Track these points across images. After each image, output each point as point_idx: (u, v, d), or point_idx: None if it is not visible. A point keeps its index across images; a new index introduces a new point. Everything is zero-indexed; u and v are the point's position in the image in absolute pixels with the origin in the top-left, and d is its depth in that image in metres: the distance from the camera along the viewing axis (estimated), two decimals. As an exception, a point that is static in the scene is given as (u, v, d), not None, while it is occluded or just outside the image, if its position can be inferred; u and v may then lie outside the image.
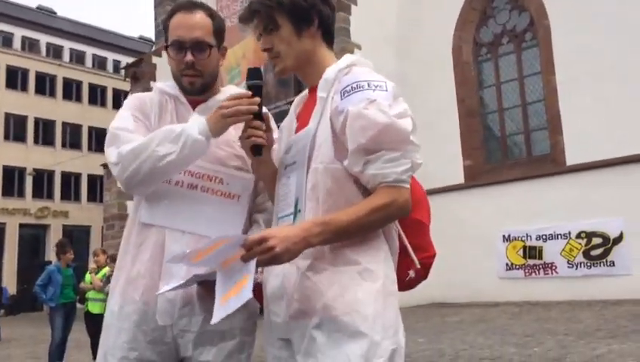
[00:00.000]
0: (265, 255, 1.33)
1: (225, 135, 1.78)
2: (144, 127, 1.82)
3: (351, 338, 1.36)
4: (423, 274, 1.62)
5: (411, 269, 1.58)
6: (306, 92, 1.71)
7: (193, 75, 1.83)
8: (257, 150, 1.60)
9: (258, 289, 1.63)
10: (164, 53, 1.81)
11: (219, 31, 1.88)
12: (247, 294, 1.33)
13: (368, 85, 1.45)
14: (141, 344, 1.73)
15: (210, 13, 1.88)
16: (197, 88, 1.85)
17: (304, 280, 1.44)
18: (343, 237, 1.41)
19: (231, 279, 1.42)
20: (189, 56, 1.80)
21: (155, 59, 19.79)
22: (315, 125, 1.51)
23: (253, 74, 1.63)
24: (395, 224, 1.54)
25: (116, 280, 1.83)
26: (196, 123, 1.71)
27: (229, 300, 1.38)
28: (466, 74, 13.99)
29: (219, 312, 1.39)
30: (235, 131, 1.80)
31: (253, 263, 1.35)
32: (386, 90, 1.45)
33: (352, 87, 1.46)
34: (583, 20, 11.78)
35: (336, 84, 1.51)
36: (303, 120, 1.61)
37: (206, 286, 1.71)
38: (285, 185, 1.59)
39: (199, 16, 1.85)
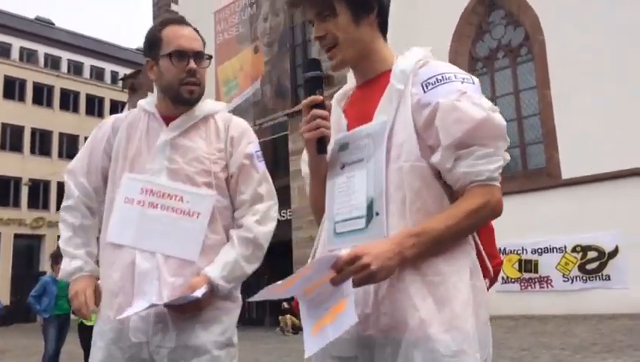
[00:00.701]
0: (359, 274, 1.21)
1: (196, 151, 1.84)
2: (95, 163, 1.95)
3: (453, 358, 1.24)
4: (494, 282, 1.53)
5: (486, 278, 1.46)
6: (349, 86, 1.59)
7: (194, 84, 1.86)
8: (322, 145, 1.44)
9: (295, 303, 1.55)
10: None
11: (204, 48, 1.94)
12: (351, 319, 1.19)
13: (455, 77, 1.36)
14: (119, 361, 1.76)
15: (196, 30, 1.95)
16: (195, 97, 1.89)
17: (394, 291, 1.30)
18: (438, 247, 1.30)
19: (321, 305, 1.28)
20: (192, 64, 1.84)
21: (152, 71, 19.83)
22: (390, 119, 1.37)
23: (312, 65, 1.48)
24: None
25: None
26: None
27: (325, 329, 1.24)
28: (462, 88, 14.08)
29: (313, 343, 1.25)
30: (207, 147, 1.86)
31: (349, 285, 1.22)
32: (474, 83, 1.36)
33: (437, 79, 1.35)
34: (578, 36, 11.89)
35: (411, 77, 1.39)
36: (356, 116, 1.47)
37: (174, 307, 1.74)
38: (346, 184, 1.43)
39: (192, 30, 1.92)
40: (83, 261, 1.90)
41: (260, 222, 1.87)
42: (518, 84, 13.68)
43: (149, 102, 1.96)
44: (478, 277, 1.37)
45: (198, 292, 1.71)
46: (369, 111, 1.43)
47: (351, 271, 1.21)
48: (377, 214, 1.34)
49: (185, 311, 1.74)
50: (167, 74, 1.86)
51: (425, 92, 1.35)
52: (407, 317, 1.28)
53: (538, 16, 12.84)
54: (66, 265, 1.91)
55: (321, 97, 1.43)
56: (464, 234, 1.34)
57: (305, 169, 1.62)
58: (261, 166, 1.94)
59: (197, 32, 1.94)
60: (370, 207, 1.36)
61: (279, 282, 1.28)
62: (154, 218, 1.81)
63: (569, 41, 12.04)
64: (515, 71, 13.79)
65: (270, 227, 1.90)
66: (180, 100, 1.88)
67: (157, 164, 1.85)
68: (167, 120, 1.90)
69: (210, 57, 1.92)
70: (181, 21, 1.92)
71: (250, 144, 1.93)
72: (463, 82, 1.34)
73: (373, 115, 1.41)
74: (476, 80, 1.38)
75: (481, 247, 1.45)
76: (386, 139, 1.36)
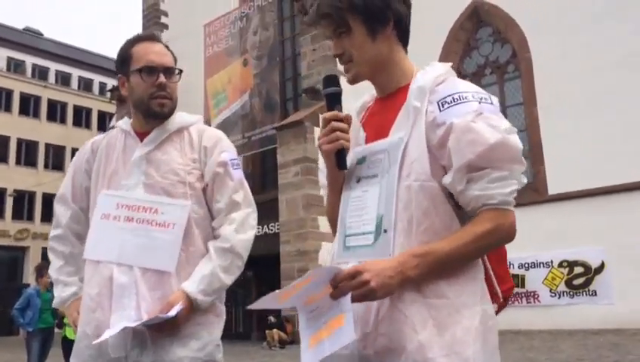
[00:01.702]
0: (359, 290, 1.20)
1: (170, 163, 1.87)
2: (79, 185, 2.01)
3: None
4: (503, 307, 1.50)
5: (495, 303, 1.41)
6: (368, 98, 1.58)
7: (164, 97, 1.89)
8: (341, 159, 1.43)
9: None
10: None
11: (175, 63, 1.97)
12: (349, 336, 1.18)
13: (473, 96, 1.32)
14: None
15: (167, 47, 1.99)
16: (166, 111, 1.91)
17: (393, 311, 1.27)
18: (443, 269, 1.27)
19: (319, 318, 1.27)
20: (161, 78, 1.87)
21: (141, 83, 19.80)
22: (405, 136, 1.35)
23: (329, 81, 1.48)
24: None
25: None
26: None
27: (322, 342, 1.24)
28: (450, 103, 14.21)
29: (310, 357, 1.25)
30: (181, 159, 1.89)
31: (347, 300, 1.21)
32: (492, 104, 1.33)
33: (453, 98, 1.32)
34: (564, 53, 12.08)
35: (428, 94, 1.36)
36: (374, 129, 1.45)
37: (152, 325, 1.74)
38: (359, 199, 1.42)
39: (163, 46, 1.96)
40: (77, 287, 1.95)
41: (238, 230, 1.87)
42: (505, 100, 13.83)
43: (125, 122, 2.01)
44: (486, 302, 1.34)
45: (173, 311, 1.70)
46: (386, 126, 1.41)
47: (350, 286, 1.20)
48: (385, 231, 1.33)
49: (162, 330, 1.74)
50: (137, 89, 1.89)
51: (440, 111, 1.32)
52: (405, 341, 1.25)
53: (525, 33, 13.02)
54: (61, 292, 1.96)
55: (342, 113, 1.42)
56: (471, 258, 1.31)
57: (322, 180, 1.59)
58: (237, 174, 1.94)
59: (168, 48, 1.98)
60: (379, 224, 1.34)
61: (277, 291, 1.27)
62: (130, 231, 1.82)
63: (555, 58, 12.22)
64: (502, 87, 13.95)
65: (249, 235, 1.90)
66: (151, 114, 1.90)
67: (133, 179, 1.88)
68: (142, 136, 1.93)
69: (180, 72, 1.95)
70: (151, 38, 1.97)
71: (224, 153, 1.94)
72: (480, 102, 1.31)
73: (390, 130, 1.40)
74: (495, 99, 1.35)
75: (491, 271, 1.43)
76: (400, 157, 1.34)
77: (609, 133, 11.31)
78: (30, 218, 32.39)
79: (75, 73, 38.18)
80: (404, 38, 1.48)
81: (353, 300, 1.21)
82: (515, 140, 1.29)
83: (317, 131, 13.01)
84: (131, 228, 1.83)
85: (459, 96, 1.32)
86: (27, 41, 36.64)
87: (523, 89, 13.27)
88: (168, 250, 1.81)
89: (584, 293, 11.52)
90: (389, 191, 1.34)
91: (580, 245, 11.44)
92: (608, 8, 11.67)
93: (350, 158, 1.46)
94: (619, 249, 10.83)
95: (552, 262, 11.96)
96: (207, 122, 17.33)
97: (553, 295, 11.89)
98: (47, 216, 33.16)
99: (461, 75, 14.48)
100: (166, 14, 21.09)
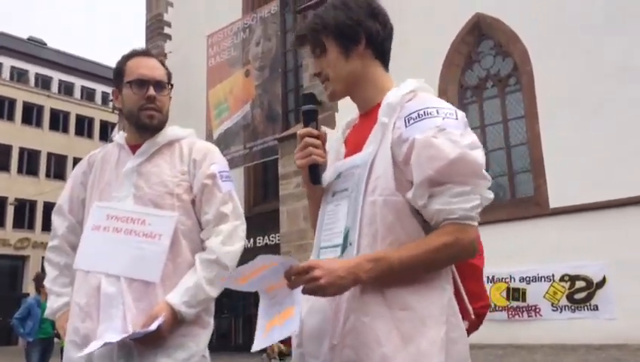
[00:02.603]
0: (309, 284, 1.25)
1: (160, 175, 1.91)
2: (77, 197, 2.05)
3: None
4: (476, 325, 1.50)
5: (465, 320, 1.42)
6: (355, 115, 1.62)
7: (154, 109, 1.93)
8: (315, 175, 1.47)
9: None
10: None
11: (169, 78, 2.01)
12: (293, 327, 1.27)
13: (437, 112, 1.34)
14: None
15: (162, 63, 2.04)
16: (155, 123, 1.95)
17: (358, 324, 1.30)
18: (396, 276, 1.28)
19: (274, 307, 1.36)
20: (151, 91, 1.91)
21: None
22: (373, 152, 1.39)
23: (306, 99, 1.55)
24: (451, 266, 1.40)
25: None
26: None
27: (273, 329, 1.32)
28: (451, 115, 14.22)
29: (260, 341, 1.33)
30: (170, 171, 1.93)
31: (298, 294, 1.28)
32: (456, 119, 1.34)
33: (418, 114, 1.35)
34: (566, 67, 12.10)
35: (398, 110, 1.39)
36: (352, 145, 1.50)
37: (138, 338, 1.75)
38: (333, 213, 1.46)
39: (156, 61, 2.01)
40: (69, 297, 1.96)
41: (225, 242, 1.88)
42: (506, 113, 13.84)
43: (121, 135, 2.06)
44: (453, 314, 1.34)
45: (154, 325, 1.71)
46: (361, 142, 1.45)
47: (302, 280, 1.25)
48: (350, 245, 1.36)
49: (147, 342, 1.74)
50: (128, 101, 1.95)
51: (406, 127, 1.35)
52: (369, 352, 1.27)
53: (527, 47, 13.06)
54: (53, 303, 1.99)
55: (316, 131, 1.48)
56: (428, 269, 1.31)
57: None
58: (226, 186, 1.96)
59: (163, 64, 2.03)
60: (345, 236, 1.38)
61: (240, 268, 1.34)
62: (118, 242, 1.85)
63: (557, 72, 12.25)
64: (503, 100, 13.97)
65: (236, 247, 1.90)
66: (141, 126, 1.95)
67: (124, 191, 1.92)
68: (135, 148, 1.98)
69: (172, 86, 2.00)
70: (145, 53, 2.04)
71: (214, 165, 1.97)
72: (444, 118, 1.33)
73: (364, 146, 1.43)
74: (461, 114, 1.37)
75: (461, 287, 1.43)
76: (367, 172, 1.38)
77: (611, 147, 11.31)
78: (31, 227, 32.39)
79: (78, 83, 38.36)
80: (381, 55, 1.52)
81: (303, 292, 1.26)
82: (476, 155, 1.31)
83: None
84: (119, 239, 1.86)
85: (424, 112, 1.34)
86: (31, 50, 36.84)
87: (524, 102, 13.28)
88: (154, 261, 1.83)
89: (585, 308, 11.45)
90: (355, 206, 1.37)
91: (582, 259, 11.38)
92: (609, 22, 11.72)
93: (330, 173, 1.52)
94: (621, 263, 10.77)
95: (553, 276, 11.90)
96: (210, 132, 17.41)
97: (555, 309, 11.82)
98: (48, 225, 32.71)
99: (462, 87, 14.53)
100: (169, 25, 21.20)
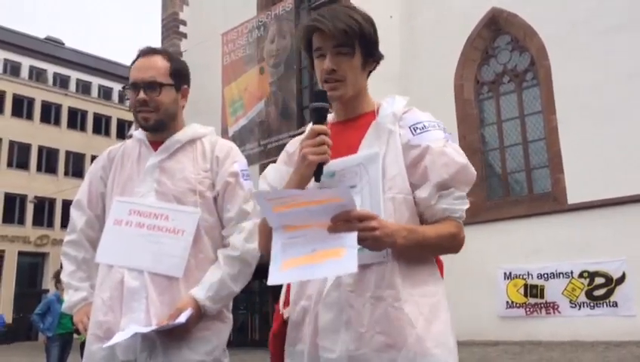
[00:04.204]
0: (366, 233, 1.31)
1: (182, 171, 1.94)
2: (95, 191, 2.07)
3: None
4: None
5: None
6: (329, 120, 1.64)
7: (147, 111, 1.94)
8: (321, 172, 1.49)
9: (279, 331, 1.59)
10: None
11: (177, 72, 2.01)
12: (350, 267, 1.24)
13: (438, 125, 1.56)
14: None
15: (170, 57, 2.03)
16: (151, 124, 1.96)
17: (391, 310, 1.41)
18: (420, 250, 1.45)
19: (302, 246, 1.31)
20: (141, 95, 1.93)
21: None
22: (381, 153, 1.50)
23: (319, 96, 1.54)
24: None
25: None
26: None
27: (307, 267, 1.28)
28: (467, 111, 14.12)
29: (281, 276, 1.31)
30: (193, 168, 1.95)
31: (353, 238, 1.28)
32: (450, 134, 1.56)
33: (424, 125, 1.54)
34: (584, 61, 11.95)
35: (398, 120, 1.56)
36: (337, 147, 1.51)
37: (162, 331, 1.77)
38: None
39: (155, 59, 1.99)
40: (87, 292, 2.00)
41: (247, 239, 1.90)
42: (523, 108, 13.70)
43: (140, 131, 2.07)
44: (445, 297, 1.54)
45: (183, 317, 1.75)
46: (353, 145, 1.54)
47: (358, 227, 1.30)
48: None
49: (172, 334, 1.77)
50: (130, 103, 2.00)
51: (414, 135, 1.52)
52: (405, 335, 1.39)
53: (544, 42, 12.91)
54: (71, 297, 2.01)
55: (323, 127, 1.50)
56: (437, 251, 1.53)
57: (264, 186, 1.66)
58: (247, 184, 1.99)
59: (169, 58, 2.01)
60: None
61: (289, 191, 1.37)
62: (141, 237, 1.88)
63: (575, 66, 12.09)
64: (520, 95, 13.83)
65: (258, 244, 1.91)
66: (141, 127, 2.00)
67: (146, 186, 1.94)
68: (156, 145, 2.00)
69: (161, 85, 1.96)
70: (145, 52, 2.01)
71: (236, 163, 2.00)
72: (444, 132, 1.55)
73: (358, 147, 1.54)
74: (449, 131, 1.58)
75: None
76: (380, 170, 1.48)
77: (629, 142, 11.15)
78: (50, 224, 32.84)
79: (96, 82, 38.74)
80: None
81: (359, 241, 1.30)
82: (472, 168, 1.54)
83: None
84: (142, 234, 1.88)
85: (428, 124, 1.55)
86: (49, 50, 37.28)
87: (542, 97, 13.14)
88: (177, 256, 1.86)
89: (605, 304, 11.32)
90: (375, 201, 1.46)
91: (601, 255, 11.25)
92: (628, 18, 11.54)
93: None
94: (640, 259, 10.64)
95: (572, 272, 11.78)
96: (225, 130, 17.48)
97: (573, 306, 11.70)
98: (67, 222, 33.31)
99: (479, 83, 14.42)
100: (185, 23, 21.33)
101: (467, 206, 1.50)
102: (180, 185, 1.92)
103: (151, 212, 1.90)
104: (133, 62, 2.00)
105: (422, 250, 1.47)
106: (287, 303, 1.62)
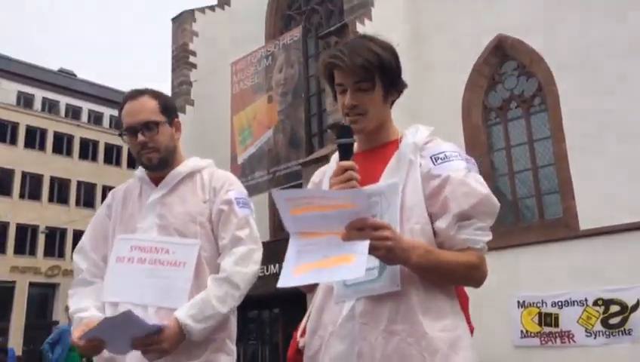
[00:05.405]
0: (379, 242, 1.31)
1: (183, 204, 1.97)
2: (100, 229, 2.08)
3: None
4: None
5: None
6: (332, 163, 1.69)
7: (149, 152, 1.98)
8: None
9: (294, 358, 1.58)
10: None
11: (166, 107, 2.05)
12: (358, 273, 1.26)
13: (459, 155, 1.54)
14: None
15: (155, 95, 2.05)
16: (155, 163, 2.00)
17: (403, 345, 1.39)
18: (436, 275, 1.43)
19: (314, 253, 1.35)
20: (140, 138, 1.97)
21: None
22: (401, 182, 1.51)
23: (344, 132, 1.55)
24: None
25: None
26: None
27: (318, 271, 1.31)
28: (476, 137, 14.11)
29: (292, 279, 1.32)
30: (193, 200, 1.98)
31: (365, 246, 1.30)
32: (475, 165, 1.55)
33: (445, 155, 1.53)
34: (591, 86, 11.96)
35: (420, 150, 1.56)
36: (364, 176, 1.52)
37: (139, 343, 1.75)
38: None
39: (143, 100, 2.02)
40: (95, 309, 1.96)
41: (237, 262, 1.88)
42: (532, 133, 13.68)
43: (141, 170, 2.11)
44: (468, 332, 1.50)
45: (153, 322, 1.72)
46: (376, 175, 1.56)
47: (372, 235, 1.30)
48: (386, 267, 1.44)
49: (150, 352, 1.72)
50: (129, 146, 2.05)
51: (435, 165, 1.52)
52: None
53: (550, 67, 12.95)
54: (77, 304, 1.97)
55: (355, 165, 1.51)
56: (454, 280, 1.49)
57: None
58: (242, 211, 1.98)
59: (156, 97, 2.04)
60: None
61: (311, 190, 1.47)
62: (143, 272, 1.89)
63: (583, 91, 12.10)
64: (528, 121, 13.83)
65: (250, 269, 1.90)
66: (145, 167, 2.04)
67: (148, 222, 1.97)
68: (157, 181, 2.04)
69: (157, 123, 2.00)
70: (134, 95, 2.04)
71: (230, 191, 2.01)
72: (467, 162, 1.53)
73: (380, 177, 1.55)
74: (472, 159, 1.56)
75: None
76: (399, 200, 1.49)
77: (641, 166, 11.06)
78: (61, 255, 32.87)
79: (107, 112, 39.23)
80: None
81: (370, 249, 1.30)
82: (495, 199, 1.50)
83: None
84: (144, 269, 1.90)
85: (450, 154, 1.54)
86: (61, 81, 37.91)
87: (550, 123, 13.12)
88: (179, 288, 1.87)
89: (620, 333, 11.09)
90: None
91: (615, 283, 11.07)
92: (635, 45, 11.58)
93: None
94: (656, 286, 10.44)
95: (586, 300, 11.58)
96: (234, 158, 17.57)
97: (589, 334, 11.47)
98: (77, 252, 33.52)
99: (486, 108, 14.43)
100: (194, 54, 21.65)
101: (489, 238, 1.47)
102: (180, 218, 1.95)
103: (152, 246, 1.93)
104: (121, 107, 2.05)
105: (439, 276, 1.44)
106: (304, 333, 1.61)
